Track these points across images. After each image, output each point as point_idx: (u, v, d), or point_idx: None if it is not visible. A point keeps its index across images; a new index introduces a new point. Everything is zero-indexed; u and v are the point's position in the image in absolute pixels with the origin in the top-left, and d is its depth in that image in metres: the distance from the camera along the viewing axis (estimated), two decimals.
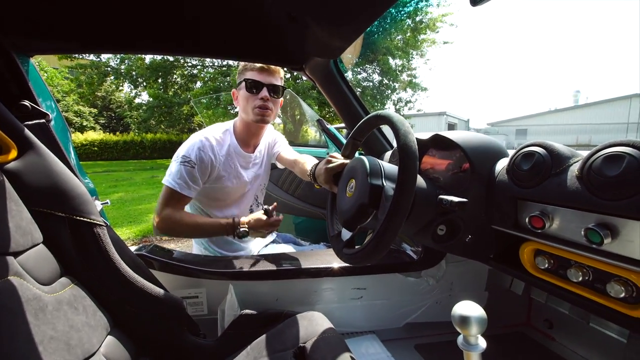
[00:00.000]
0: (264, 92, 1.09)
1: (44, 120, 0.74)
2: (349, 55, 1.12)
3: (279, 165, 1.38)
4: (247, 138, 1.20)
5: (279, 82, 1.12)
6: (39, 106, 0.76)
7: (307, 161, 1.15)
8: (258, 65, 1.07)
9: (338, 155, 0.93)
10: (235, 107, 1.21)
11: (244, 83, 1.08)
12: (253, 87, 1.08)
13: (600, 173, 0.51)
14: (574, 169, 0.56)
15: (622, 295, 0.52)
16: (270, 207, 1.13)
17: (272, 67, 1.09)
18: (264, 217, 1.11)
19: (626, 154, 0.48)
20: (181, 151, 1.08)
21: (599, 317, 0.84)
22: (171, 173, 1.05)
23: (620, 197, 0.48)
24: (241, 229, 1.06)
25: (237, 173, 1.17)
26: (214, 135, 1.12)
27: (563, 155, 0.60)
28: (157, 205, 1.06)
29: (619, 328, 0.83)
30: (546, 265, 0.64)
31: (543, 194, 0.60)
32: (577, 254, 0.58)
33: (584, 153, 0.57)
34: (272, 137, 1.35)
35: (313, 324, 0.81)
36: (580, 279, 0.58)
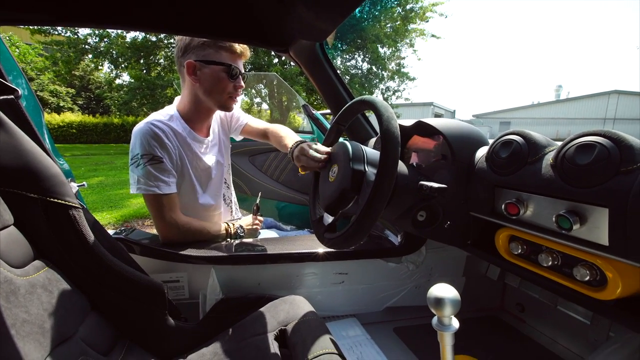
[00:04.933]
0: (240, 81, 1.02)
1: (12, 97, 0.70)
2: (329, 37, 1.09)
3: (237, 138, 1.31)
4: (200, 121, 1.09)
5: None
6: (7, 82, 0.72)
7: (284, 135, 1.11)
8: (237, 48, 0.99)
9: (320, 147, 0.86)
10: None
11: (222, 67, 0.97)
12: (232, 71, 0.99)
13: (573, 161, 0.52)
14: (549, 158, 0.58)
15: (587, 278, 0.55)
16: (256, 206, 1.20)
17: (246, 52, 1.02)
18: (251, 218, 1.18)
19: (597, 143, 0.50)
20: (136, 150, 0.94)
21: (566, 299, 0.88)
22: (139, 179, 0.93)
23: (589, 185, 0.50)
24: (240, 233, 1.10)
25: (199, 161, 1.08)
26: (162, 122, 0.98)
27: (539, 144, 0.61)
28: (153, 218, 0.97)
29: (584, 311, 0.89)
30: (519, 251, 0.67)
31: (519, 182, 0.62)
32: (548, 239, 0.60)
33: (560, 143, 0.59)
34: (229, 112, 1.23)
35: (294, 307, 0.82)
36: (550, 263, 0.61)
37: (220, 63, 0.97)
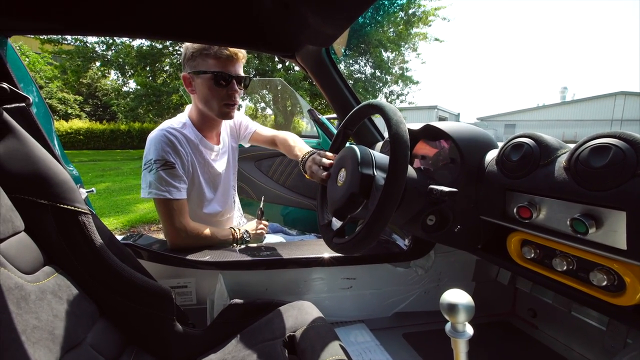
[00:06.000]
0: (233, 86, 1.00)
1: (24, 104, 0.71)
2: (338, 45, 1.09)
3: (246, 145, 1.35)
4: (210, 130, 1.11)
5: (242, 72, 1.03)
6: (19, 90, 0.73)
7: (293, 144, 1.13)
8: (224, 52, 0.96)
9: (328, 154, 0.89)
10: None
11: (209, 75, 0.97)
12: (221, 79, 0.97)
13: (587, 164, 0.51)
14: (562, 160, 0.57)
15: (605, 283, 0.53)
16: (260, 210, 1.20)
17: (238, 55, 0.99)
18: (255, 222, 1.19)
19: (612, 145, 0.49)
20: (150, 156, 0.95)
21: (582, 305, 0.86)
22: (151, 183, 0.94)
23: (605, 188, 0.49)
24: (246, 238, 1.10)
25: (210, 168, 1.09)
26: (176, 129, 1.01)
27: (551, 146, 0.60)
28: (163, 223, 0.98)
29: (599, 316, 0.86)
30: (532, 255, 0.66)
31: (531, 185, 0.61)
32: (562, 243, 0.59)
33: (572, 145, 0.58)
34: (237, 120, 1.27)
35: (303, 313, 0.81)
36: (565, 268, 0.59)
37: (205, 72, 0.97)
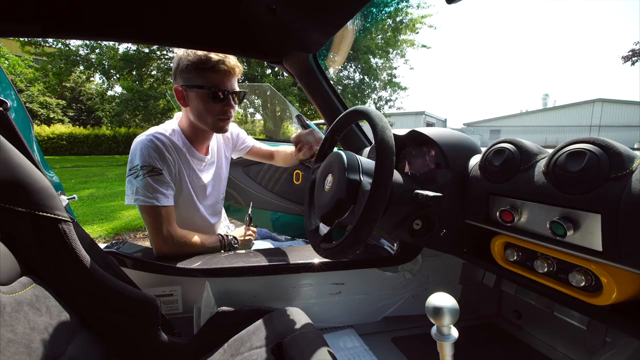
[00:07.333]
0: (229, 101, 0.98)
1: (1, 109, 0.69)
2: (332, 55, 1.11)
3: (239, 156, 1.38)
4: (199, 141, 1.08)
5: (237, 86, 1.02)
6: None
7: (290, 150, 1.22)
8: (221, 67, 0.94)
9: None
10: None
11: (205, 90, 0.94)
12: (217, 95, 0.95)
13: (564, 168, 0.53)
14: (541, 165, 0.59)
15: (583, 284, 0.55)
16: (248, 216, 1.21)
17: (235, 70, 0.97)
18: (244, 229, 1.18)
19: (587, 150, 0.51)
20: (136, 162, 0.92)
21: (563, 305, 0.89)
22: (137, 190, 0.91)
23: (581, 191, 0.51)
24: (234, 244, 1.10)
25: (196, 178, 1.07)
26: (164, 135, 0.98)
27: (531, 151, 0.62)
28: (149, 231, 0.95)
29: (580, 316, 0.89)
30: (515, 258, 0.67)
31: (513, 189, 0.62)
32: (543, 246, 0.61)
33: (551, 150, 0.60)
34: (235, 132, 1.27)
35: (291, 319, 0.80)
36: (546, 269, 0.61)
37: (201, 86, 0.94)
